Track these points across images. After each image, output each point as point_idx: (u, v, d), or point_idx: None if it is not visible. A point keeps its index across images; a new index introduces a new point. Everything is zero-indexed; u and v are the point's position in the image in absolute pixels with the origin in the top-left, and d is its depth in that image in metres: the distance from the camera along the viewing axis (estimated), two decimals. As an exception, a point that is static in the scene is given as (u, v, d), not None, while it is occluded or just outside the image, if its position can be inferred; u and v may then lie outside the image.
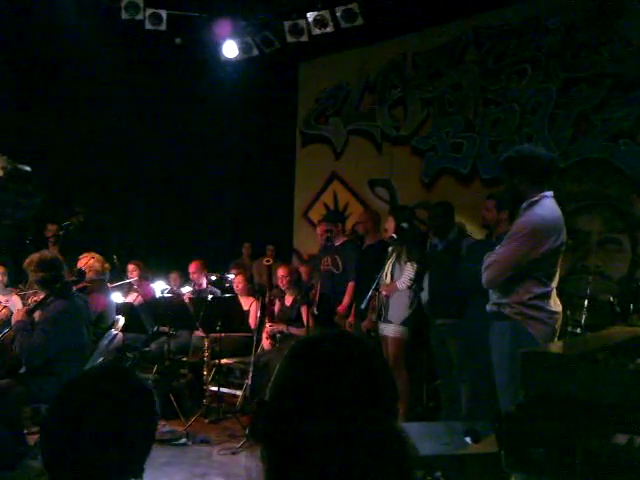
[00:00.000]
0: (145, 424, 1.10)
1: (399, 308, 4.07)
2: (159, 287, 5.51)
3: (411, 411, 4.18)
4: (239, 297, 4.88)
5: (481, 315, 2.87)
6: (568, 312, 3.97)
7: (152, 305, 4.92)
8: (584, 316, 4.09)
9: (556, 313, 2.65)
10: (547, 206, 2.60)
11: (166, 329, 4.76)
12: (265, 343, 4.73)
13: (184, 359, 4.96)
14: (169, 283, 5.74)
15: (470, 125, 6.21)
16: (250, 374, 4.41)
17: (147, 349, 4.96)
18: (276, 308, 4.90)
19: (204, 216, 7.62)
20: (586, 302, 4.15)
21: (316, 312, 4.56)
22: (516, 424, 1.80)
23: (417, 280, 4.01)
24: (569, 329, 4.01)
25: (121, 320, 4.46)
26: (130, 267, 5.47)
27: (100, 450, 1.04)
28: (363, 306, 3.85)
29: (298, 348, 0.88)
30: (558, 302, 2.69)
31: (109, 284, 4.72)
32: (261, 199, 7.55)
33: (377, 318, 4.12)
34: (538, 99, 5.71)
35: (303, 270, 5.44)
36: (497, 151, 5.89)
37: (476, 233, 4.37)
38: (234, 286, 5.32)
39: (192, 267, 5.47)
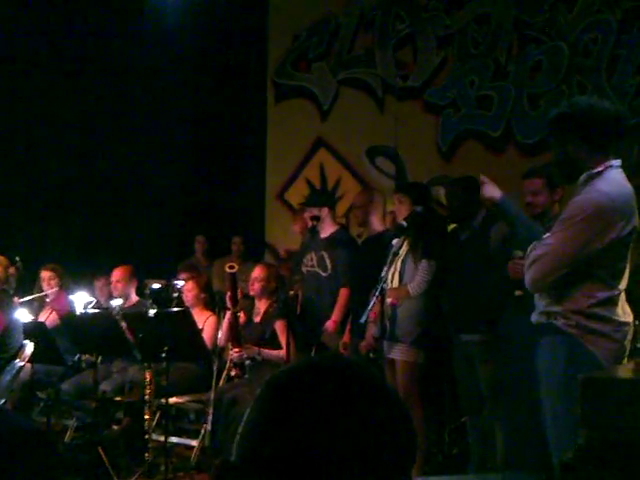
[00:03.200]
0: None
1: (410, 321, 4.09)
2: (80, 300, 5.43)
3: (429, 460, 4.21)
4: (191, 310, 4.85)
5: (523, 329, 2.89)
6: (637, 322, 4.01)
7: (71, 325, 4.86)
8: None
9: (625, 324, 2.67)
10: (614, 180, 2.61)
11: (92, 358, 4.71)
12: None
13: (118, 399, 4.92)
14: (94, 294, 5.68)
15: (502, 72, 6.24)
16: (209, 417, 4.39)
17: (65, 386, 4.91)
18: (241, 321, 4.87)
19: (142, 199, 7.56)
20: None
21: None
22: (574, 475, 1.82)
23: (435, 283, 4.01)
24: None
25: (29, 347, 4.40)
26: (45, 275, 5.36)
27: None
28: (363, 320, 3.85)
29: (276, 385, 0.87)
30: (628, 310, 2.72)
31: (17, 298, 4.64)
32: (221, 176, 7.50)
33: (380, 335, 4.13)
34: (593, 36, 5.74)
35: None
36: (539, 107, 5.92)
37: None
38: (183, 296, 5.29)
39: (116, 274, 5.38)
